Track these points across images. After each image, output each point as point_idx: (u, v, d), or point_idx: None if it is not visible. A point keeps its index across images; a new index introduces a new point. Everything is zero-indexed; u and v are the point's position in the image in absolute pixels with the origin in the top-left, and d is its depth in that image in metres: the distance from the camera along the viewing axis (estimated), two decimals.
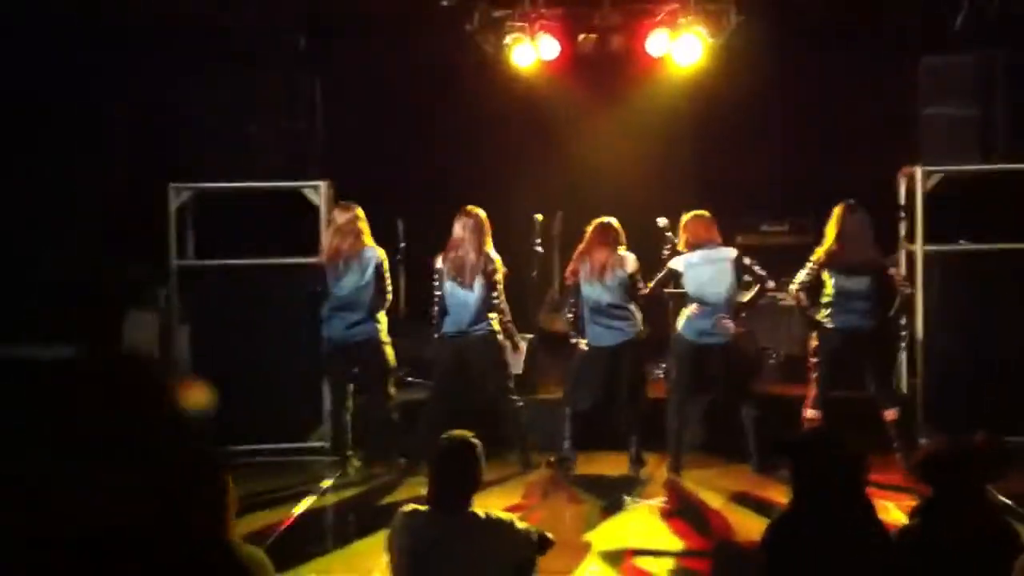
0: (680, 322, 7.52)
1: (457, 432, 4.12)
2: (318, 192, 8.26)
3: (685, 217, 7.63)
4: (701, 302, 7.40)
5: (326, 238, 7.72)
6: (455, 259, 7.45)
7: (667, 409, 7.57)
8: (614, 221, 7.58)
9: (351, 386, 7.75)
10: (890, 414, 7.38)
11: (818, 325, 7.39)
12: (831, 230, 7.34)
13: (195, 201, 8.39)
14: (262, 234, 8.30)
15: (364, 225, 7.61)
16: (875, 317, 7.32)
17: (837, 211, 7.35)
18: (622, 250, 7.52)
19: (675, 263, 7.53)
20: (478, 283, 7.42)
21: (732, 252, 7.52)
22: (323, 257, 7.61)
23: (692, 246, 7.50)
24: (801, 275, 7.39)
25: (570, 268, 7.64)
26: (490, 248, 7.51)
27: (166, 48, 8.46)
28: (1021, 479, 6.36)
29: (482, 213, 7.55)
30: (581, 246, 7.62)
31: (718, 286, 7.40)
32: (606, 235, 7.52)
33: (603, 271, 7.45)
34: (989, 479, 3.76)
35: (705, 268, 7.42)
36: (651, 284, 7.55)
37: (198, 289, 8.40)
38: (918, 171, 8.03)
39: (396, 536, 4.01)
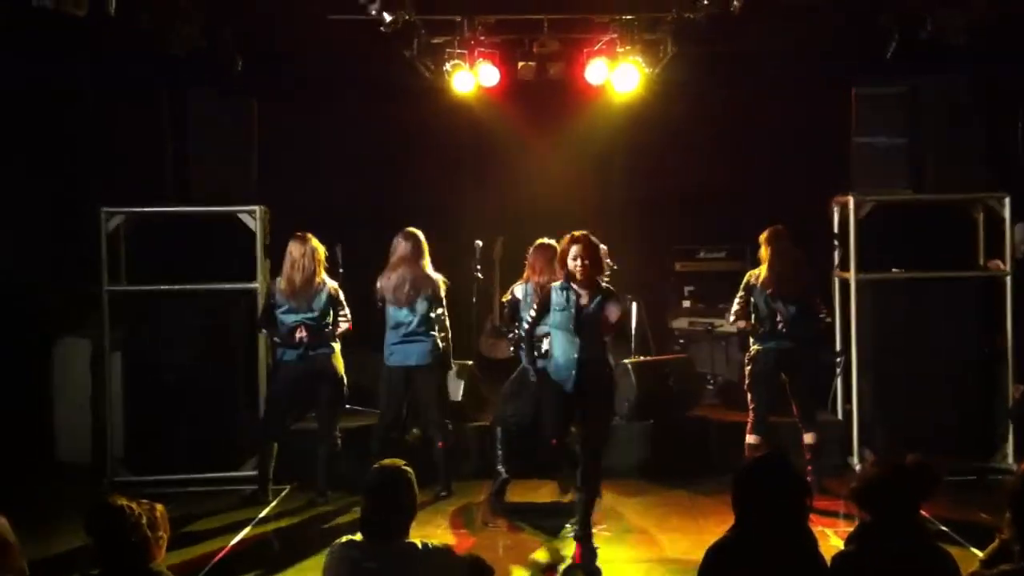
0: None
1: (389, 460, 4.06)
2: (254, 217, 8.16)
3: None
4: None
5: (284, 271, 7.49)
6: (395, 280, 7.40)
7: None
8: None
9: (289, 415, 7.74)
10: (807, 438, 7.47)
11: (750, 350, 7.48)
12: (762, 256, 7.46)
13: (133, 226, 8.23)
14: (198, 259, 8.17)
15: (320, 258, 7.51)
16: (799, 341, 7.40)
17: (764, 237, 7.46)
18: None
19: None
20: (419, 303, 7.40)
21: None
22: (280, 289, 7.47)
23: None
24: (734, 306, 7.52)
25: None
26: (428, 267, 7.47)
27: (101, 69, 8.35)
28: (956, 504, 6.57)
29: (419, 233, 7.50)
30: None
31: None
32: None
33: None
34: (920, 500, 3.78)
35: None
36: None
37: (132, 315, 8.22)
38: (850, 199, 8.15)
39: (332, 568, 3.94)
